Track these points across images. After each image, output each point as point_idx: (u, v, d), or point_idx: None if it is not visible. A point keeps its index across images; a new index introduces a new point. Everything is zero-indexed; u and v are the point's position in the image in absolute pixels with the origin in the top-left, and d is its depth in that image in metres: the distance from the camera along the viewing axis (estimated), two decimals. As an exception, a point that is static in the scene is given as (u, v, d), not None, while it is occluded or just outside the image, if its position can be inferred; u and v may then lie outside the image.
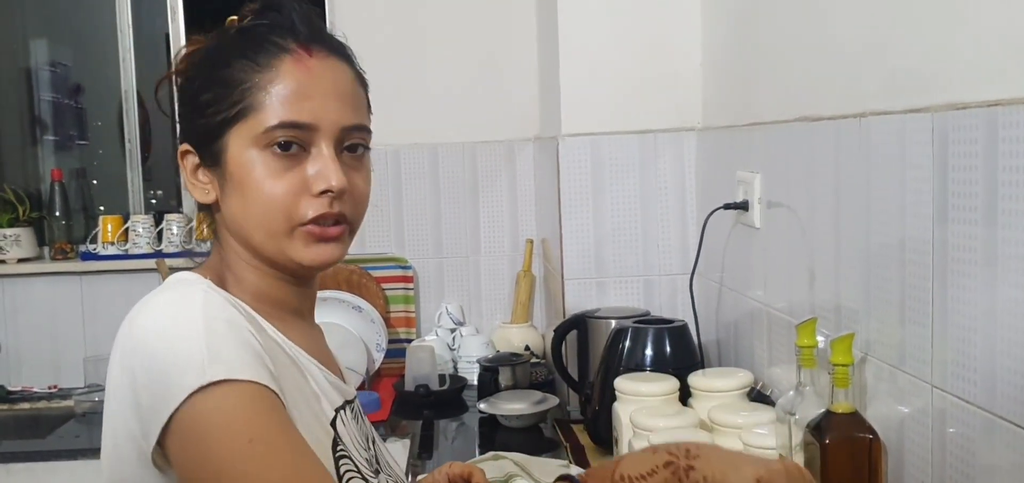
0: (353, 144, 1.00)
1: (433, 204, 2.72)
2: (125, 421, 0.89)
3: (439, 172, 2.72)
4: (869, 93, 1.29)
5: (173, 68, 1.04)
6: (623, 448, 1.59)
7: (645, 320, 1.90)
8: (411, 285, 2.69)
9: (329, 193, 0.96)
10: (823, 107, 1.44)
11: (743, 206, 1.77)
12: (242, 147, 0.96)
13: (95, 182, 2.99)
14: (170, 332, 0.87)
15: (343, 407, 1.04)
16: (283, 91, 0.96)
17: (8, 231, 2.72)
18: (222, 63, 0.98)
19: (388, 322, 2.58)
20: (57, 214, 2.79)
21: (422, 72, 2.69)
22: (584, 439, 1.92)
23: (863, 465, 1.19)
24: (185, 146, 1.02)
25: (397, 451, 2.08)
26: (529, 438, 1.98)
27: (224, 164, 0.98)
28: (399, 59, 2.68)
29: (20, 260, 2.73)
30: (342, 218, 0.99)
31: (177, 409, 0.83)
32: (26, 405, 2.62)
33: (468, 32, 2.68)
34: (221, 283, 0.99)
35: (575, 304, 2.15)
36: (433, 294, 2.74)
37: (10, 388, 2.70)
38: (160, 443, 0.86)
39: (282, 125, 0.95)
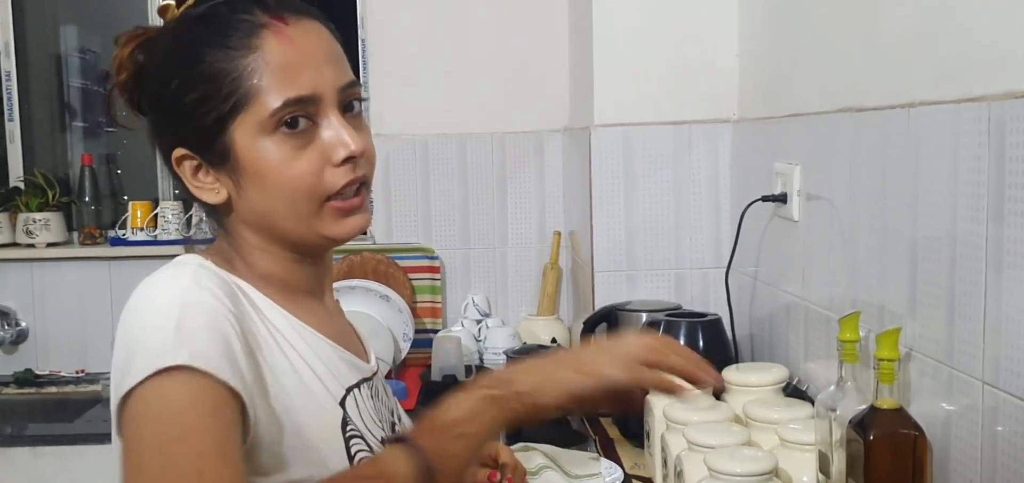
0: (350, 102, 0.97)
1: (460, 195, 2.71)
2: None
3: (467, 163, 2.70)
4: (919, 82, 1.26)
5: (117, 76, 0.98)
6: (655, 442, 1.57)
7: (677, 313, 1.88)
8: (438, 275, 2.68)
9: (351, 159, 0.94)
10: (868, 97, 1.41)
11: (781, 198, 1.74)
12: (250, 138, 0.92)
13: (119, 172, 3.00)
14: (146, 311, 0.86)
15: (359, 385, 1.00)
16: (275, 69, 0.92)
17: (37, 216, 2.73)
18: (195, 58, 0.93)
19: (414, 312, 2.57)
20: (86, 199, 2.80)
21: (451, 62, 2.67)
22: (613, 432, 1.90)
23: (907, 462, 1.16)
24: (180, 152, 0.96)
25: (424, 441, 2.06)
26: (557, 430, 1.96)
27: (233, 160, 0.94)
28: (428, 48, 2.66)
29: (49, 245, 2.74)
30: (364, 181, 0.97)
31: (134, 387, 0.81)
32: (54, 389, 2.63)
33: (498, 22, 2.66)
34: (230, 266, 0.96)
35: (605, 297, 2.13)
36: (459, 285, 2.72)
37: (38, 372, 2.71)
38: (118, 423, 0.83)
39: (287, 104, 0.91)
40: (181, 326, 0.83)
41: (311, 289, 1.02)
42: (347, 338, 1.06)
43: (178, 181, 0.99)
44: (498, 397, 0.91)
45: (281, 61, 0.92)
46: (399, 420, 1.09)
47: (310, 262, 1.01)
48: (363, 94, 1.00)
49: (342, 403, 0.96)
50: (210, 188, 0.96)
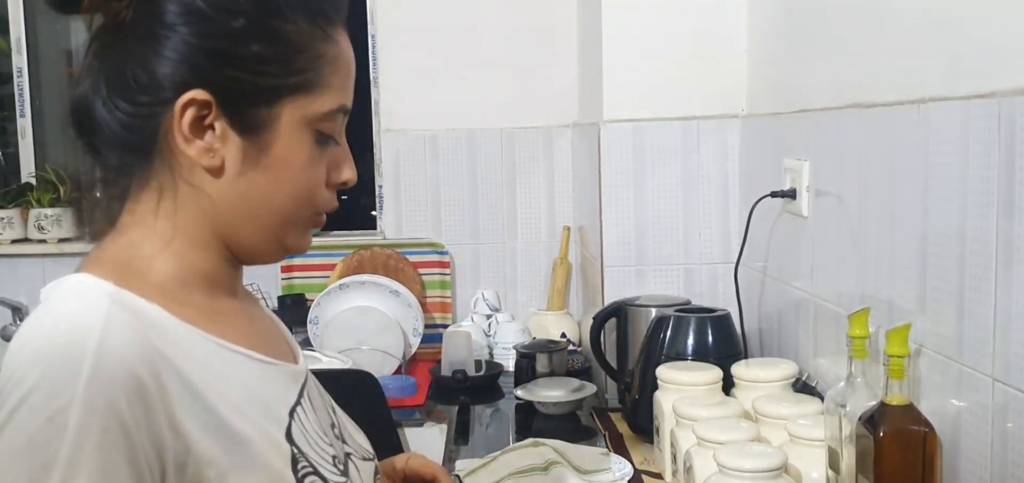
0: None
1: (470, 190, 2.71)
2: None
3: (477, 158, 2.71)
4: (929, 78, 1.25)
5: None
6: (665, 437, 1.58)
7: (686, 309, 1.88)
8: (447, 270, 2.68)
9: (344, 185, 0.91)
10: (878, 93, 1.41)
11: (790, 194, 1.74)
12: (296, 123, 0.85)
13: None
14: (36, 404, 0.71)
15: (299, 399, 0.89)
16: (342, 70, 0.88)
17: (49, 211, 2.74)
18: (281, 13, 0.83)
19: (424, 307, 2.58)
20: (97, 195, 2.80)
21: (460, 57, 2.67)
22: (622, 427, 1.90)
23: (917, 459, 1.16)
24: (201, 94, 0.81)
25: (434, 436, 2.07)
26: (566, 425, 1.97)
27: (268, 136, 0.84)
28: (437, 44, 2.67)
29: (61, 240, 2.75)
30: None
31: None
32: (65, 383, 2.64)
33: (508, 17, 2.66)
34: (138, 277, 0.82)
35: (614, 292, 2.14)
36: (469, 280, 2.73)
37: (50, 366, 2.72)
38: None
39: (341, 109, 0.88)
40: (76, 442, 0.70)
41: (233, 290, 0.92)
42: (275, 341, 0.96)
43: (140, 123, 0.82)
44: None
45: (346, 65, 0.89)
46: (334, 414, 0.99)
47: (237, 265, 0.91)
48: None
49: (289, 434, 0.84)
50: (206, 148, 0.83)
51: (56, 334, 0.74)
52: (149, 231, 0.85)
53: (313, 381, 0.98)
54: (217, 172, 0.84)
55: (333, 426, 0.96)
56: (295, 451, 0.83)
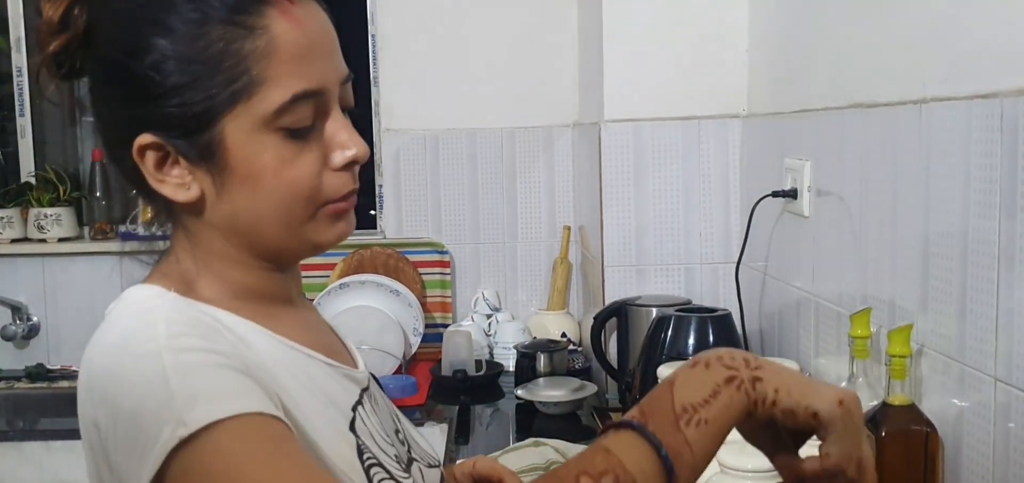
0: (345, 104, 0.86)
1: (470, 190, 2.71)
2: (101, 476, 0.78)
3: (477, 158, 2.71)
4: (931, 78, 1.25)
5: (48, 43, 0.83)
6: (666, 437, 1.57)
7: (687, 308, 1.88)
8: (448, 270, 2.68)
9: (355, 165, 0.84)
10: (880, 93, 1.41)
11: (792, 194, 1.74)
12: (246, 134, 0.79)
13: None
14: (130, 375, 0.73)
15: (360, 400, 0.89)
16: (284, 57, 0.79)
17: (49, 211, 2.74)
18: (188, 30, 0.78)
19: (425, 307, 2.57)
20: (97, 194, 2.80)
21: (461, 57, 2.67)
22: (623, 428, 1.90)
23: (919, 459, 1.17)
24: (146, 139, 0.80)
25: (434, 436, 2.07)
26: (567, 425, 1.97)
27: (221, 158, 0.80)
28: (438, 43, 2.67)
29: (60, 240, 2.75)
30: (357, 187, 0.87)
31: (159, 471, 0.70)
32: (65, 384, 2.64)
33: (508, 17, 2.66)
34: (191, 290, 0.83)
35: (615, 292, 2.14)
36: (469, 280, 2.73)
37: (50, 366, 2.72)
38: None
39: (295, 99, 0.79)
40: (184, 380, 0.71)
41: (287, 297, 0.90)
42: (334, 346, 0.95)
43: (130, 170, 0.83)
44: (736, 379, 0.76)
45: (291, 48, 0.80)
46: (399, 418, 0.98)
47: (281, 269, 0.89)
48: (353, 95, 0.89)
49: (353, 427, 0.85)
50: (178, 183, 0.82)
51: (127, 327, 0.77)
52: (187, 254, 0.86)
53: (376, 388, 0.97)
54: (200, 202, 0.82)
55: (397, 431, 0.94)
56: (360, 443, 0.84)
